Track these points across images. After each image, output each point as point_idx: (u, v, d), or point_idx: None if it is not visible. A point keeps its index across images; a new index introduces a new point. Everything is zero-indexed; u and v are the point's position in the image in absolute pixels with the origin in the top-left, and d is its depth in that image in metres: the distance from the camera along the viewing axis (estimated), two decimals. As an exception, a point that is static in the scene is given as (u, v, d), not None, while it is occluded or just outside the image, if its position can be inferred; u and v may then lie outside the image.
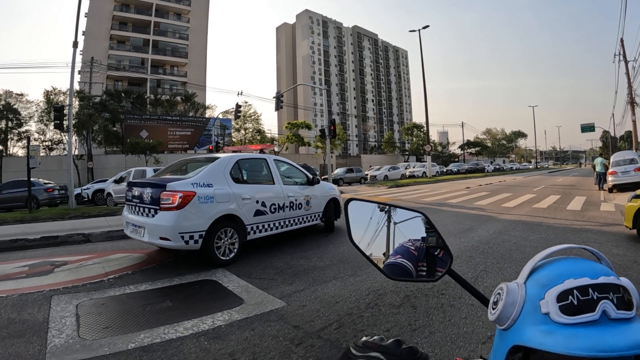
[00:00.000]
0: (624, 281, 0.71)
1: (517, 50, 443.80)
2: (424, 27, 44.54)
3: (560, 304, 0.67)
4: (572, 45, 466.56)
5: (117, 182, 23.75)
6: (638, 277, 5.96)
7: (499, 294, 0.79)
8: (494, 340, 0.81)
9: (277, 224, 8.50)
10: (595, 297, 0.66)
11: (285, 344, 3.88)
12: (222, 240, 7.20)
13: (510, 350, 0.72)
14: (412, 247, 1.11)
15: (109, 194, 23.89)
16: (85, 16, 62.60)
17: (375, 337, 0.89)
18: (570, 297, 0.67)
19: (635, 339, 0.61)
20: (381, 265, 1.11)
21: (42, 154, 42.01)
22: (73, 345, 3.99)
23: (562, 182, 31.57)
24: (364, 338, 0.89)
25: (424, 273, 1.10)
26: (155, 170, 20.80)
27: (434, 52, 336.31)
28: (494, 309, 0.79)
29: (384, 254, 1.13)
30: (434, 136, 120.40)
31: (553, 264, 0.78)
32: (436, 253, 1.11)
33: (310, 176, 9.85)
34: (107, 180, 28.58)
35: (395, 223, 1.15)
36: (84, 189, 27.50)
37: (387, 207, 1.21)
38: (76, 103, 41.26)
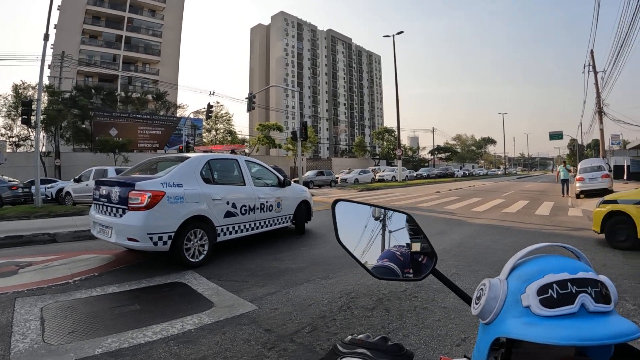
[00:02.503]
0: (603, 277, 0.75)
1: (488, 58, 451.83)
2: (398, 33, 44.71)
3: (540, 297, 0.70)
4: (543, 55, 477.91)
5: (76, 181, 22.99)
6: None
7: (481, 289, 0.82)
8: (477, 336, 0.83)
9: (247, 226, 8.42)
10: (574, 291, 0.69)
11: (258, 348, 3.82)
12: (192, 242, 7.08)
13: (493, 344, 0.75)
14: (398, 253, 1.13)
15: (67, 192, 23.12)
16: (58, 9, 61.48)
17: (361, 335, 0.91)
18: (550, 290, 0.70)
19: (613, 329, 0.65)
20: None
21: (8, 150, 41.04)
22: (38, 350, 3.84)
23: (530, 188, 32.12)
24: (350, 336, 0.92)
25: (411, 275, 1.13)
26: (117, 170, 20.56)
27: (406, 57, 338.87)
28: (477, 304, 0.81)
29: (367, 257, 1.14)
30: (404, 141, 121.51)
31: (533, 261, 0.81)
32: (421, 254, 1.14)
33: (282, 178, 9.79)
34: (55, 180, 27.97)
35: (385, 225, 1.16)
36: (48, 188, 26.70)
37: (375, 208, 1.22)
38: (45, 98, 40.41)
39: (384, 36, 46.57)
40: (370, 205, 1.21)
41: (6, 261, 7.76)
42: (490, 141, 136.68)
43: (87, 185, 21.45)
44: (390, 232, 1.16)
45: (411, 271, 1.13)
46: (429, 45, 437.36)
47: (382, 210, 1.20)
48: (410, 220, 1.18)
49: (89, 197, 20.47)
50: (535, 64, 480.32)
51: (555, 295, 0.69)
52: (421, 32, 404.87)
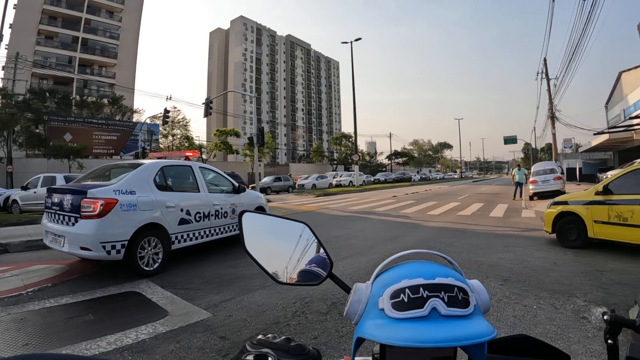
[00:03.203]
0: (473, 282, 0.84)
1: (446, 65, 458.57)
2: (356, 40, 44.98)
3: (392, 300, 0.74)
4: (501, 63, 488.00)
5: (24, 188, 22.32)
6: (559, 277, 6.37)
7: (351, 292, 0.85)
8: None
9: (202, 233, 8.39)
10: (425, 295, 0.73)
11: (212, 356, 3.83)
12: (146, 250, 7.02)
13: (357, 343, 0.79)
14: (324, 259, 1.15)
15: (14, 200, 22.32)
16: (14, 8, 59.79)
17: (269, 335, 0.95)
18: (402, 295, 0.74)
19: (452, 334, 0.68)
20: (295, 273, 1.13)
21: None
22: (-11, 364, 3.76)
23: (485, 191, 32.83)
24: (259, 336, 0.95)
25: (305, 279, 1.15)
26: (66, 178, 19.95)
27: (364, 64, 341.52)
28: (346, 306, 0.84)
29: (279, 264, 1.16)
30: (362, 146, 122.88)
31: (397, 267, 0.84)
32: (324, 260, 1.16)
33: (237, 184, 9.78)
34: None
35: (290, 236, 1.21)
36: None
37: (278, 218, 1.25)
38: (-3, 100, 39.30)
39: (342, 42, 46.86)
40: (273, 215, 1.25)
41: (-46, 273, 7.53)
42: (446, 146, 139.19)
43: (34, 192, 21.00)
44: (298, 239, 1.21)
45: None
46: (388, 53, 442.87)
47: (284, 220, 1.24)
48: (309, 229, 1.20)
49: (36, 205, 20.20)
50: (493, 71, 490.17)
51: (406, 299, 0.73)
52: (380, 39, 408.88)
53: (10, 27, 58.42)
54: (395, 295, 0.75)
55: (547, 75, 33.86)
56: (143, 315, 5.03)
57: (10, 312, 5.25)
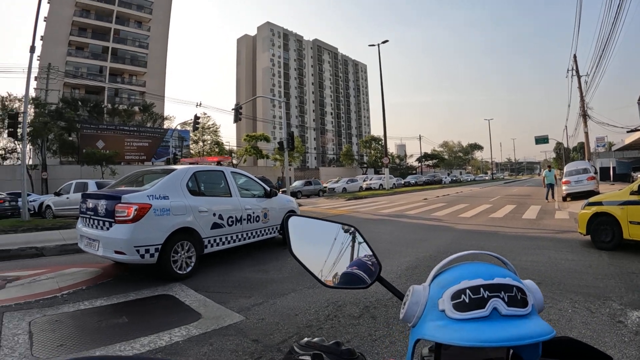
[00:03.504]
0: (527, 282, 0.84)
1: (467, 66, 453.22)
2: (383, 42, 44.39)
3: (454, 302, 0.75)
4: (525, 62, 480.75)
5: (57, 194, 22.93)
6: (594, 280, 6.21)
7: (407, 295, 0.86)
8: None
9: (234, 237, 8.43)
10: (485, 296, 0.74)
11: (245, 359, 3.83)
12: (179, 254, 7.09)
13: (415, 344, 0.79)
14: (369, 262, 1.15)
15: (48, 206, 22.97)
16: (45, 21, 61.28)
17: (316, 339, 0.95)
18: (463, 295, 0.75)
19: (513, 333, 0.69)
20: (341, 275, 1.13)
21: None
22: (26, 363, 3.85)
23: (517, 192, 32.35)
24: (306, 339, 0.96)
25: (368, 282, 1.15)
26: (98, 184, 20.47)
27: (392, 66, 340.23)
28: (402, 308, 0.85)
29: (326, 267, 1.17)
30: (392, 149, 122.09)
31: (454, 268, 0.85)
32: (369, 263, 1.16)
33: (268, 189, 9.81)
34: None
35: (335, 238, 1.20)
36: (32, 201, 26.46)
37: (325, 222, 1.26)
38: (31, 110, 40.17)
39: (369, 45, 46.40)
40: (321, 219, 1.26)
41: (-8, 276, 7.74)
42: (477, 147, 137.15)
43: (67, 198, 21.50)
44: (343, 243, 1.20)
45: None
46: (406, 55, 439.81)
47: (332, 223, 1.24)
48: (357, 232, 1.21)
49: (69, 210, 20.71)
50: (523, 70, 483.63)
51: (467, 300, 0.74)
52: (398, 41, 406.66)
53: (41, 39, 59.76)
54: (456, 296, 0.76)
55: (577, 72, 33.25)
56: (176, 318, 5.06)
57: (45, 314, 5.34)
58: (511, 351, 0.81)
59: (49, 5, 62.46)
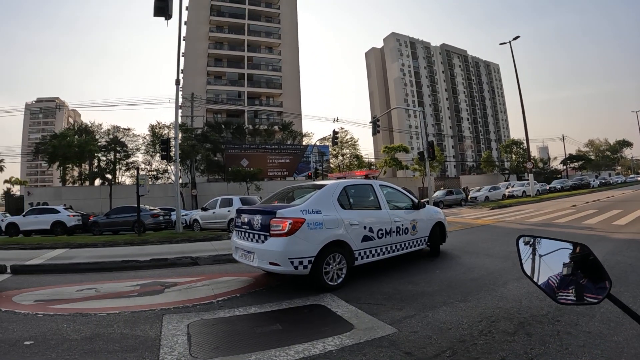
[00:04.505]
0: None
1: (607, 54, 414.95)
2: (515, 38, 42.23)
3: None
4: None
5: (203, 209, 25.00)
6: None
7: None
8: None
9: (384, 249, 8.45)
10: None
11: (398, 371, 3.82)
12: (331, 266, 7.23)
13: None
14: (602, 277, 1.19)
15: (195, 220, 24.98)
16: (183, 56, 66.38)
17: None
18: None
19: None
20: (568, 292, 1.15)
21: (149, 183, 44.62)
22: (185, 362, 4.15)
23: (680, 195, 29.38)
24: None
25: (573, 298, 1.13)
26: (242, 199, 22.00)
27: (522, 63, 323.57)
28: None
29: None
30: (533, 152, 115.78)
31: None
32: (582, 280, 1.13)
33: (416, 200, 9.79)
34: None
35: (540, 255, 1.21)
36: (183, 215, 28.74)
37: (554, 241, 1.30)
38: (180, 135, 43.54)
39: (500, 44, 44.28)
40: (550, 239, 1.27)
41: (152, 281, 8.44)
42: (625, 144, 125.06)
43: (213, 213, 23.37)
44: (540, 256, 1.21)
45: (570, 293, 1.15)
46: (541, 48, 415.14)
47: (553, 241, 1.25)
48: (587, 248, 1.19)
49: (214, 223, 22.64)
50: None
51: None
52: (532, 35, 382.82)
53: (182, 72, 64.83)
54: None
55: None
56: (328, 328, 5.13)
57: (202, 318, 5.68)
58: None
59: (184, 42, 67.78)
